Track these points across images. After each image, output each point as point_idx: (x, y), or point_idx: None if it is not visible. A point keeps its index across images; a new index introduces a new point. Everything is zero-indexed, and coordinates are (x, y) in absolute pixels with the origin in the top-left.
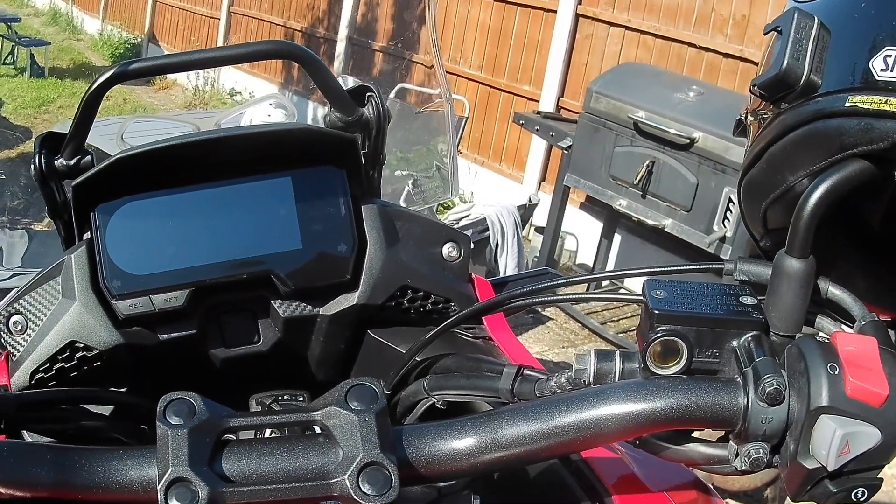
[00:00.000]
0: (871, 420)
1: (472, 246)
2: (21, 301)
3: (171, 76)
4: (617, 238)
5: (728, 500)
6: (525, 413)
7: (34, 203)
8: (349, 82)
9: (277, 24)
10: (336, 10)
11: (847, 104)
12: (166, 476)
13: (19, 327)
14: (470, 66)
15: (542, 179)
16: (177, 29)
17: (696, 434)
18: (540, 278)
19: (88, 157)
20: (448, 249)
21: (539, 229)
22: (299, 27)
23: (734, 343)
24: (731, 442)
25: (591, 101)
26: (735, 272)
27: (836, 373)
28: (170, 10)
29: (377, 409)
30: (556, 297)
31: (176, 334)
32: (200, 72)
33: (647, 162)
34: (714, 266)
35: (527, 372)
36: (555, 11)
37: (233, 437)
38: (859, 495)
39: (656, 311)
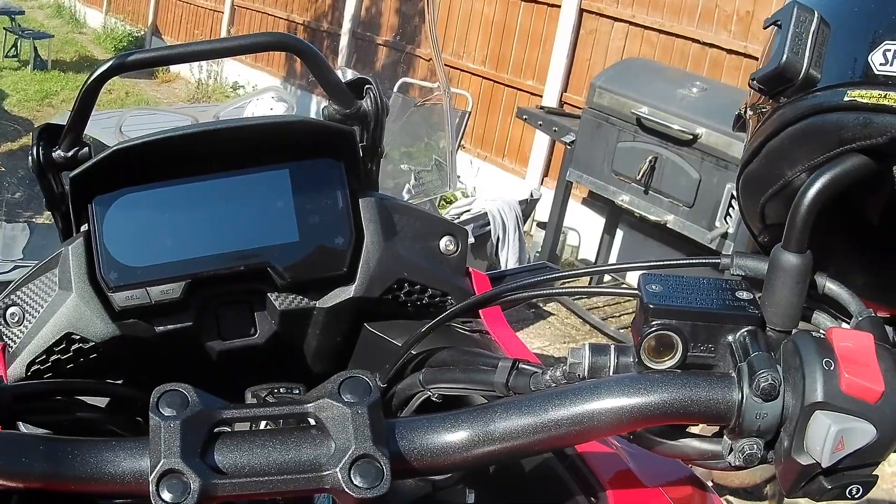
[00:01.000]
0: (866, 416)
1: (470, 240)
2: (18, 293)
3: (173, 69)
4: (619, 234)
5: (727, 496)
6: (518, 406)
7: (35, 196)
8: (348, 75)
9: (281, 18)
10: (339, 4)
11: (846, 98)
12: (158, 467)
13: (16, 319)
14: (473, 60)
15: (545, 174)
16: (180, 22)
17: (690, 429)
18: (538, 272)
19: (86, 149)
20: (446, 243)
21: (541, 224)
22: (302, 21)
23: (729, 338)
24: (725, 437)
25: (594, 97)
26: (732, 267)
27: (832, 368)
28: (173, 3)
29: (370, 401)
30: (551, 291)
31: (172, 326)
32: (203, 65)
33: (650, 158)
34: (711, 260)
35: (522, 366)
36: (558, 6)
37: (227, 428)
38: (854, 492)
39: (651, 306)
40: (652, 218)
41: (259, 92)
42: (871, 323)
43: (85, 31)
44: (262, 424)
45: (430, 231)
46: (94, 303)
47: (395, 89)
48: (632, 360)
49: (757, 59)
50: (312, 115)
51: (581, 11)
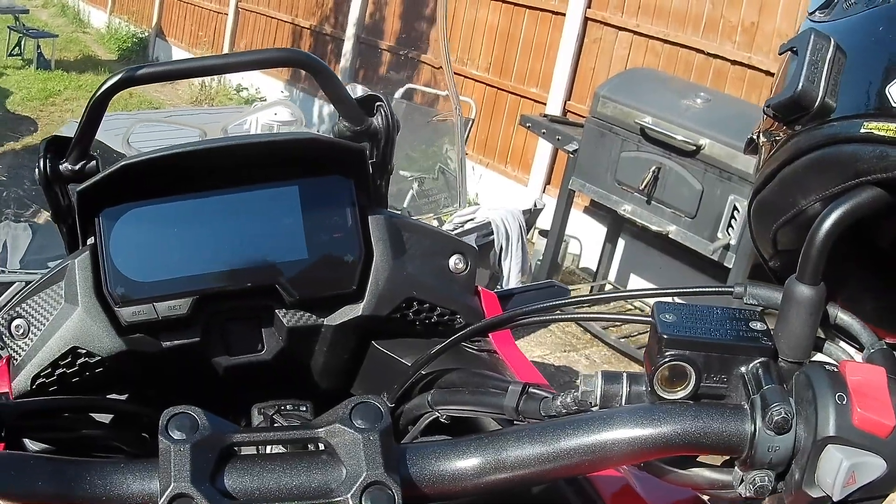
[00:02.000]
0: (877, 451)
1: (478, 257)
2: (23, 305)
3: None
4: (621, 243)
5: None
6: (531, 434)
7: (37, 198)
8: (358, 91)
9: (286, 22)
10: (344, 9)
11: (862, 130)
12: (168, 492)
13: (21, 331)
14: (477, 67)
15: (548, 182)
16: (184, 24)
17: (700, 458)
18: (546, 291)
19: (94, 163)
20: (455, 261)
21: (543, 232)
22: (307, 25)
23: (742, 369)
24: (736, 468)
25: (598, 106)
26: (745, 296)
27: (844, 403)
28: (178, 4)
29: (381, 427)
30: (564, 316)
31: (179, 342)
32: None
33: (653, 168)
34: (724, 290)
35: (532, 390)
36: (563, 14)
37: (237, 451)
38: None
39: (665, 336)
40: (654, 228)
41: (268, 105)
42: (883, 355)
43: (89, 30)
44: (271, 447)
45: (439, 249)
46: (101, 317)
47: (398, 95)
48: (644, 388)
49: (761, 70)
50: (316, 118)
51: (586, 20)
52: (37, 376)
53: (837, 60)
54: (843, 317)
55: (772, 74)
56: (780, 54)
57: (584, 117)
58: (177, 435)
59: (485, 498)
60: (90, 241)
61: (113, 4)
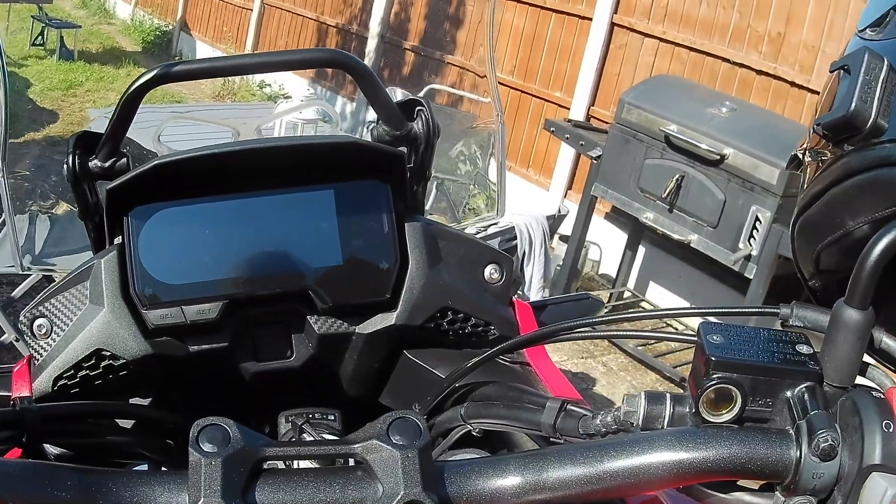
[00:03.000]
0: None
1: (514, 267)
2: (46, 304)
3: None
4: (641, 250)
5: None
6: (573, 455)
7: (56, 191)
8: (398, 95)
9: (310, 18)
10: (368, 7)
11: None
12: None
13: (43, 331)
14: (502, 70)
15: (569, 187)
16: (209, 18)
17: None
18: (581, 304)
19: (125, 160)
20: (490, 271)
21: (563, 238)
22: (333, 22)
23: (788, 393)
24: (777, 493)
25: (622, 112)
26: (791, 318)
27: (891, 430)
28: None
29: (420, 444)
30: (605, 333)
31: (207, 346)
32: None
33: (677, 176)
34: (769, 311)
35: (570, 407)
36: (590, 19)
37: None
38: None
39: (713, 358)
40: (676, 237)
41: (304, 105)
42: None
43: (113, 21)
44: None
45: (475, 258)
46: (127, 319)
47: (421, 95)
48: (688, 410)
49: (786, 80)
50: (340, 116)
51: (612, 25)
52: (59, 377)
53: (891, 81)
54: (888, 341)
55: (797, 86)
56: (831, 72)
57: (607, 123)
58: (208, 448)
59: None
60: (117, 240)
61: None
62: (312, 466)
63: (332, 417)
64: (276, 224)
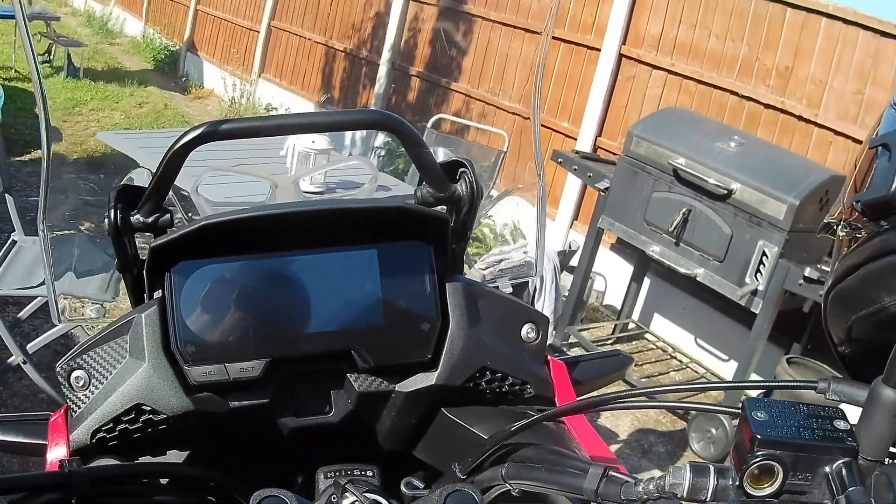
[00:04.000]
0: None
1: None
2: (84, 356)
3: (207, 85)
4: (646, 282)
5: None
6: None
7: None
8: (440, 156)
9: (319, 43)
10: (379, 33)
11: None
12: None
13: (81, 383)
14: (510, 98)
15: (575, 217)
16: (216, 40)
17: None
18: (611, 361)
19: (167, 216)
20: (527, 330)
21: (569, 269)
22: (342, 48)
23: (826, 468)
24: None
25: (631, 145)
26: (828, 391)
27: None
28: (210, 20)
29: None
30: (649, 403)
31: (248, 402)
32: (237, 84)
33: (684, 210)
34: (808, 384)
35: (612, 473)
36: (598, 50)
37: None
38: None
39: (759, 436)
40: (682, 270)
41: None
42: None
43: (118, 41)
44: None
45: (513, 318)
46: (168, 375)
47: (429, 125)
48: (731, 483)
49: (794, 115)
50: (348, 143)
51: (620, 57)
52: (97, 430)
53: None
54: None
55: (805, 120)
56: (870, 148)
57: (614, 154)
58: None
59: None
60: (157, 294)
61: (147, 15)
62: None
63: (371, 473)
64: (319, 282)
